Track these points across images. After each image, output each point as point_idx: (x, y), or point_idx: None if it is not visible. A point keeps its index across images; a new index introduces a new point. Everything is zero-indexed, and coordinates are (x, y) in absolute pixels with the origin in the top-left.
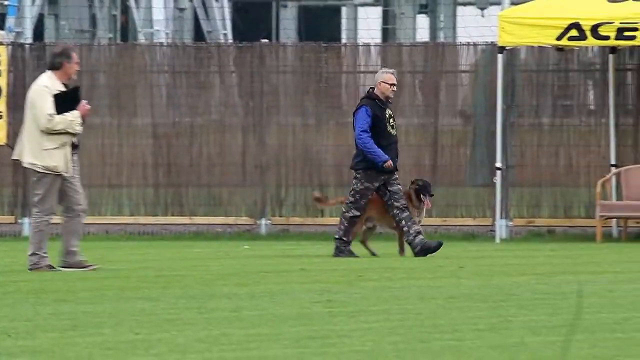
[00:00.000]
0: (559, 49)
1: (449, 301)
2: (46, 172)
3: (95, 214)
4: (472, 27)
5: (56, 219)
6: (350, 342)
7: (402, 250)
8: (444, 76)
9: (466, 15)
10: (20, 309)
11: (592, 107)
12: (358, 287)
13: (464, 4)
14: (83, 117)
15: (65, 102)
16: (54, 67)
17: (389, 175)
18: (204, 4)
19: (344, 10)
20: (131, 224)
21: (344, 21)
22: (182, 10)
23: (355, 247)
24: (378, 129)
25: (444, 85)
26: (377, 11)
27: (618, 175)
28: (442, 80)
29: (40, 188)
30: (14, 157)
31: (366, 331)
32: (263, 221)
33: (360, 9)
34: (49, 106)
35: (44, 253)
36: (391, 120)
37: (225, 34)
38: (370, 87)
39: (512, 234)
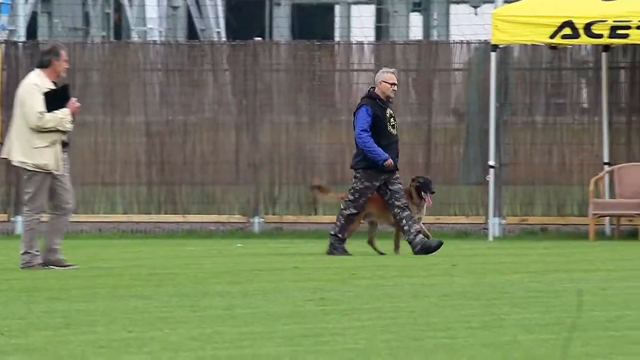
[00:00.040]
0: (552, 47)
1: (442, 299)
2: (36, 170)
3: (88, 212)
4: (466, 25)
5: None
6: (343, 340)
7: (397, 248)
8: (437, 74)
9: (459, 14)
10: (13, 307)
11: (585, 105)
12: (351, 285)
13: (457, 2)
14: (73, 114)
15: (55, 99)
16: (42, 65)
17: (389, 174)
18: (197, 2)
19: (337, 8)
20: (124, 222)
21: (337, 19)
22: (175, 8)
23: (355, 246)
24: (378, 129)
25: (437, 83)
26: (370, 9)
27: (611, 173)
28: (436, 78)
29: (31, 186)
30: (2, 156)
31: (359, 329)
32: (256, 219)
33: (354, 7)
34: (40, 104)
35: (36, 251)
36: (392, 119)
37: (218, 32)
38: (371, 87)
39: (505, 232)
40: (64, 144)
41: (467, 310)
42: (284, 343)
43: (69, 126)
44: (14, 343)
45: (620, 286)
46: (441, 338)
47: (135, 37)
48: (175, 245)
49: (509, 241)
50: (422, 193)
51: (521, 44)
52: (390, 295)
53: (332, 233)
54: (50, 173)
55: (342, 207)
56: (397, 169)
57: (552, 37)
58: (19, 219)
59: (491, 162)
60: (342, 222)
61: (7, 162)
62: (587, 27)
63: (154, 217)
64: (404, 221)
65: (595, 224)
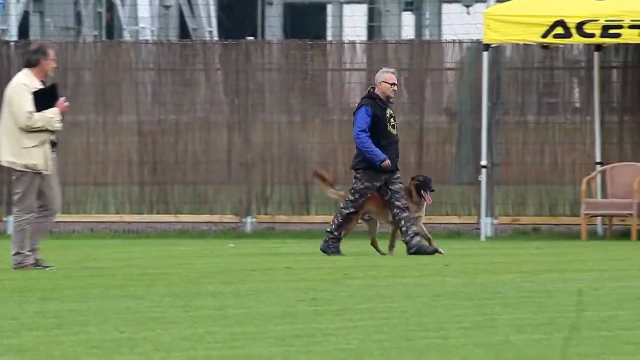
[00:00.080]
0: (544, 46)
1: (434, 299)
2: (25, 170)
3: (80, 212)
4: (458, 25)
5: None
6: (335, 340)
7: (391, 247)
8: (430, 74)
9: (452, 13)
10: (5, 307)
11: (577, 104)
12: (343, 286)
13: (450, 2)
14: (62, 113)
15: (43, 99)
16: (30, 64)
17: (390, 174)
18: (189, 2)
19: (329, 7)
20: (116, 222)
21: (329, 19)
22: (167, 7)
23: (348, 246)
24: (378, 129)
25: (429, 82)
26: (362, 9)
27: (603, 173)
28: (428, 77)
29: (20, 186)
30: None
31: (351, 329)
32: (248, 219)
33: (346, 7)
34: (28, 104)
35: (28, 251)
36: (392, 120)
37: (210, 32)
38: (371, 87)
39: (498, 232)
40: (53, 144)
41: (460, 310)
42: (276, 343)
43: (57, 125)
44: (6, 343)
45: (613, 286)
46: (433, 338)
47: (127, 36)
48: (167, 245)
49: (501, 241)
50: (422, 191)
51: (513, 43)
52: (383, 296)
53: (328, 230)
54: (40, 173)
55: (341, 205)
56: (398, 169)
57: (544, 36)
58: (11, 219)
59: (483, 162)
60: (340, 220)
61: None
62: (579, 27)
63: (146, 217)
64: (403, 222)
65: (588, 224)
